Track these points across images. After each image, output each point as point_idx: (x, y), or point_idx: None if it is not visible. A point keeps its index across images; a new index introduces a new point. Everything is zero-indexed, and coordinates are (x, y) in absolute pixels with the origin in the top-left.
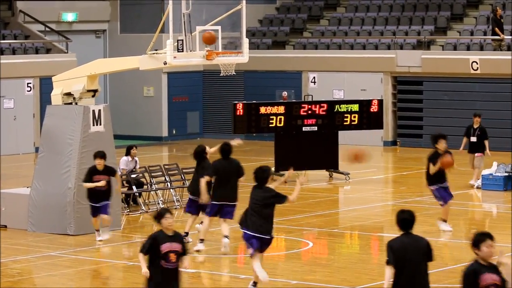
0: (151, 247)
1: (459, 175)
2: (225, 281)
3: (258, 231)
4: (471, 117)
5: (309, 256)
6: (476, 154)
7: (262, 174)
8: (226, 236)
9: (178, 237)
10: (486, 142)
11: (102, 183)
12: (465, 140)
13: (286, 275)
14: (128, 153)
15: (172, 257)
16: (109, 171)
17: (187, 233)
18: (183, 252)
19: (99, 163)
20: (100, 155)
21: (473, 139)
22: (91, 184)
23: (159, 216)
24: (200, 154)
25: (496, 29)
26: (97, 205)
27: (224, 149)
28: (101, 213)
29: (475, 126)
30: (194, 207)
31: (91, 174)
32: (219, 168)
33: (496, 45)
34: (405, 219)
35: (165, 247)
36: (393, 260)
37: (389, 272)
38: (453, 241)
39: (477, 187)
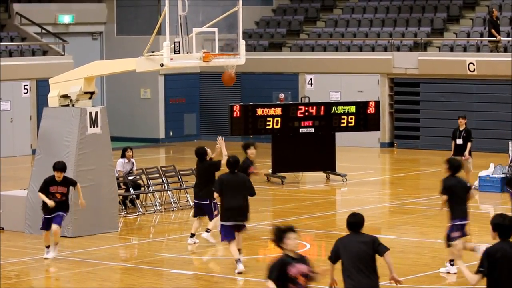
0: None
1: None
2: (221, 282)
3: None
4: (468, 118)
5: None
6: (463, 157)
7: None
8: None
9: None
10: (469, 145)
11: (51, 203)
12: (453, 144)
13: None
14: (123, 155)
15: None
16: (68, 183)
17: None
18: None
19: (58, 176)
20: (59, 167)
21: (459, 141)
22: (44, 198)
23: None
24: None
25: (493, 30)
26: (48, 216)
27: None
28: (52, 223)
29: (461, 128)
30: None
31: (48, 185)
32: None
33: (493, 46)
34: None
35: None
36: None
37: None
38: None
39: (475, 189)
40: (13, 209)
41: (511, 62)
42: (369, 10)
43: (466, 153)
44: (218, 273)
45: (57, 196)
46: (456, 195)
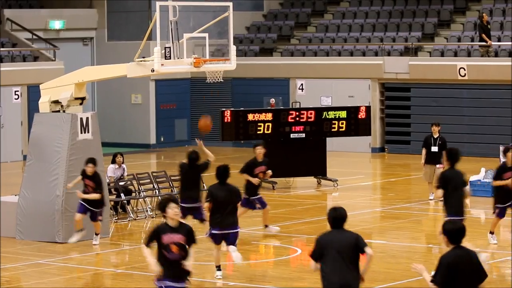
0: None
1: None
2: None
3: None
4: (459, 123)
5: (298, 263)
6: (437, 166)
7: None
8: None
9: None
10: (444, 153)
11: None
12: (424, 151)
13: (275, 282)
14: (114, 161)
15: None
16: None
17: None
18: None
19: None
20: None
21: (434, 148)
22: None
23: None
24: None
25: (483, 35)
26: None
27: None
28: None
29: (435, 135)
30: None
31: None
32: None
33: (484, 51)
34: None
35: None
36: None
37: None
38: (444, 247)
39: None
40: (4, 215)
41: (501, 67)
42: (359, 15)
43: (444, 163)
44: (208, 278)
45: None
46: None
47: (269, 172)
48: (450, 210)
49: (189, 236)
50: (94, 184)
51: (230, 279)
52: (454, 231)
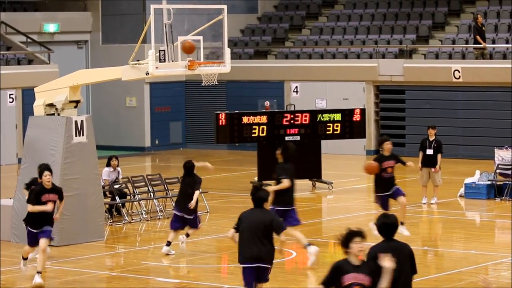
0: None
1: (443, 183)
2: None
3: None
4: (454, 125)
5: (292, 265)
6: (432, 169)
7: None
8: None
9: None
10: (439, 156)
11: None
12: (421, 154)
13: (270, 284)
14: (108, 164)
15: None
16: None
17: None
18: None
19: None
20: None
21: (430, 151)
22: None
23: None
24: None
25: (477, 37)
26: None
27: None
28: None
29: (431, 138)
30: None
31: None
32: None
33: (478, 53)
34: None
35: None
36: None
37: None
38: (439, 249)
39: (460, 196)
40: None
41: (496, 69)
42: (354, 17)
43: (438, 166)
44: (203, 281)
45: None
46: None
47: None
48: None
49: None
50: (57, 195)
51: (225, 281)
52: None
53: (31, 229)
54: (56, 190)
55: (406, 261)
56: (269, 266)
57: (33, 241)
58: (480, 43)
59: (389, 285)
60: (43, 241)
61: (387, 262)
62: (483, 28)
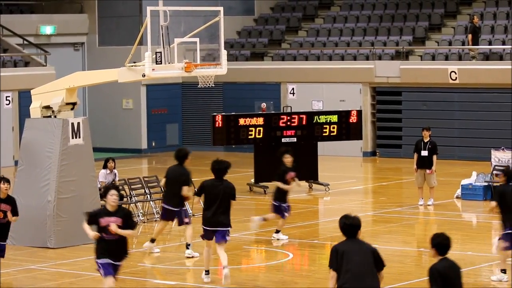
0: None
1: (439, 185)
2: None
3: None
4: (451, 127)
5: (289, 267)
6: (427, 171)
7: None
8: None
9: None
10: (435, 157)
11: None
12: (416, 156)
13: (267, 286)
14: (105, 166)
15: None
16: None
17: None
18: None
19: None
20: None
21: (424, 153)
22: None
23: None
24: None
25: (470, 36)
26: None
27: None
28: None
29: (425, 140)
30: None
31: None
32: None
33: (475, 53)
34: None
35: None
36: None
37: None
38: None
39: (457, 197)
40: None
41: (492, 71)
42: (350, 19)
43: (434, 167)
44: (200, 283)
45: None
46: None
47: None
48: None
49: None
50: (11, 206)
51: (221, 283)
52: (442, 244)
53: None
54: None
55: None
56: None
57: None
58: (470, 43)
59: None
60: None
61: None
62: (480, 28)
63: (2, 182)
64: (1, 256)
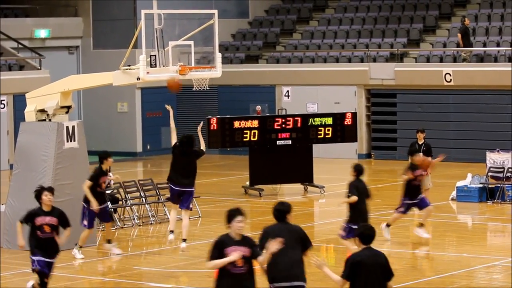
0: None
1: (434, 187)
2: None
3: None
4: (446, 129)
5: None
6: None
7: None
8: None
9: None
10: (430, 159)
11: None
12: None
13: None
14: None
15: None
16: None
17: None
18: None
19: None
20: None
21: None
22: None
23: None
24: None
25: (459, 35)
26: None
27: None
28: None
29: (420, 142)
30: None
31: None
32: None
33: (467, 55)
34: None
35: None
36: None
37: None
38: (431, 253)
39: (452, 199)
40: None
41: (487, 72)
42: (345, 21)
43: (429, 169)
44: (196, 286)
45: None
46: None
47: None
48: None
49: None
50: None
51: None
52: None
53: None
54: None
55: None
56: None
57: None
58: (460, 44)
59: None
60: None
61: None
62: (470, 30)
63: (45, 193)
64: (45, 275)
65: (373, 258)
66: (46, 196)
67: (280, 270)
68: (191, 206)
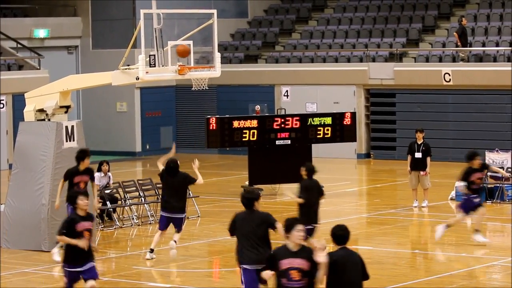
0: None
1: (433, 186)
2: None
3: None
4: (445, 128)
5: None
6: (421, 173)
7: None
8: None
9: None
10: (429, 159)
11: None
12: (410, 158)
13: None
14: (99, 169)
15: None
16: None
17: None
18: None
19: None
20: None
21: (418, 155)
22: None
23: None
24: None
25: (455, 34)
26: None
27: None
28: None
29: (419, 142)
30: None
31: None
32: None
33: (465, 55)
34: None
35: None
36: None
37: None
38: (430, 252)
39: (451, 199)
40: None
41: (486, 72)
42: (344, 21)
43: (428, 169)
44: (195, 285)
45: None
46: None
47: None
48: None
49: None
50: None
51: (216, 286)
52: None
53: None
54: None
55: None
56: None
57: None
58: (458, 44)
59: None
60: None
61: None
62: (467, 30)
63: (80, 197)
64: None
65: (348, 258)
66: (82, 201)
67: (244, 253)
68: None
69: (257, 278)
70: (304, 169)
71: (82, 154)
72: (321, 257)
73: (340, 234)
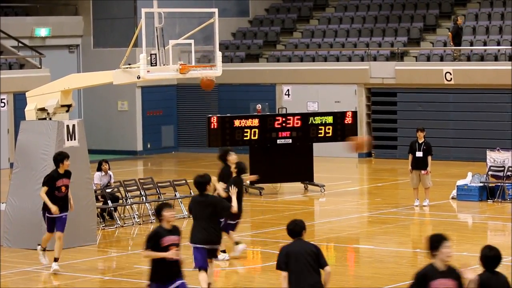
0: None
1: (435, 185)
2: None
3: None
4: (446, 128)
5: None
6: (422, 172)
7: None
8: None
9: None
10: (430, 158)
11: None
12: (411, 157)
13: (263, 287)
14: (99, 169)
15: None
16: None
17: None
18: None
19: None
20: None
21: (419, 154)
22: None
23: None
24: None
25: (450, 34)
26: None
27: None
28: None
29: (420, 141)
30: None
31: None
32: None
33: (457, 54)
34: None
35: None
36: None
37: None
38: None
39: (452, 198)
40: None
41: (487, 71)
42: (345, 20)
43: (429, 168)
44: (195, 284)
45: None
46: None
47: None
48: None
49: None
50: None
51: (217, 284)
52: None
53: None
54: None
55: None
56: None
57: None
58: (450, 44)
59: None
60: None
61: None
62: (462, 29)
63: (166, 209)
64: None
65: (301, 247)
66: (168, 213)
67: (197, 235)
68: None
69: (206, 256)
70: (235, 166)
71: (61, 157)
72: (470, 274)
73: (292, 229)
